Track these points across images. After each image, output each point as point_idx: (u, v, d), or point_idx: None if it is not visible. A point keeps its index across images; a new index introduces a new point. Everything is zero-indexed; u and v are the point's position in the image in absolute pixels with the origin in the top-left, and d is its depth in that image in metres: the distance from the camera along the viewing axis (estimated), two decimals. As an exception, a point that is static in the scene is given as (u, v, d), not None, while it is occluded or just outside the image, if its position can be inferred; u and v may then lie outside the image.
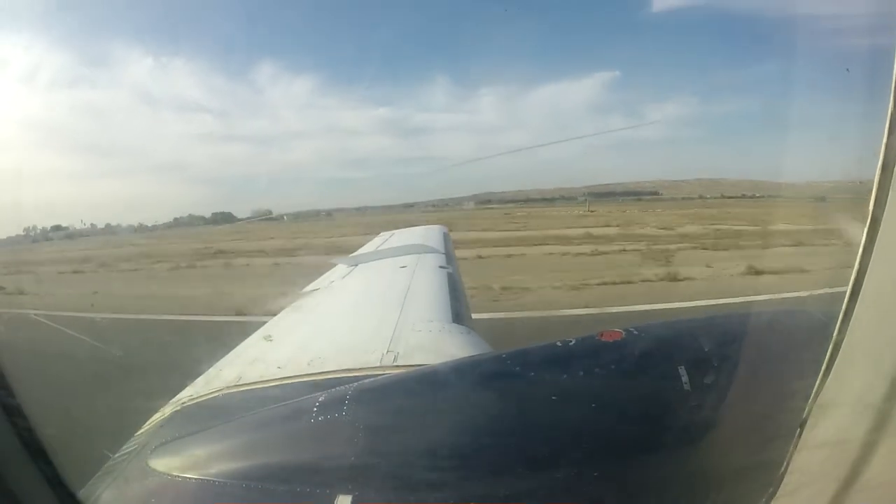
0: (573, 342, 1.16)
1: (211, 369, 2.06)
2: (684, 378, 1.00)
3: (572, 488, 1.00)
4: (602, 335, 1.14)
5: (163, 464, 1.21)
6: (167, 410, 1.69)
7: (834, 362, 0.74)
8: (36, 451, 0.82)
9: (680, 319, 1.28)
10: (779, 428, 0.83)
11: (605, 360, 1.09)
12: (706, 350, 1.04)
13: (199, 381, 1.92)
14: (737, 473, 0.94)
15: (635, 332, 1.13)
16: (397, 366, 1.81)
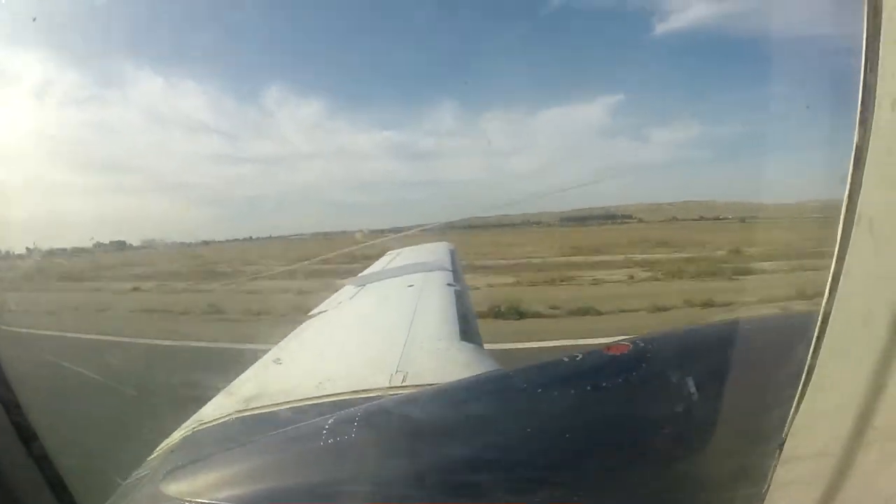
0: (580, 357, 1.17)
1: (220, 394, 2.06)
2: (692, 389, 1.01)
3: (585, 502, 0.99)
4: (609, 349, 1.15)
5: (175, 489, 1.21)
6: (178, 436, 1.69)
7: (812, 373, 0.75)
8: (53, 479, 0.83)
9: (687, 328, 1.30)
10: (763, 440, 0.84)
11: (613, 373, 1.10)
12: (716, 360, 1.05)
13: (209, 406, 1.92)
14: (727, 485, 0.94)
15: (641, 345, 1.14)
16: (407, 386, 1.80)
